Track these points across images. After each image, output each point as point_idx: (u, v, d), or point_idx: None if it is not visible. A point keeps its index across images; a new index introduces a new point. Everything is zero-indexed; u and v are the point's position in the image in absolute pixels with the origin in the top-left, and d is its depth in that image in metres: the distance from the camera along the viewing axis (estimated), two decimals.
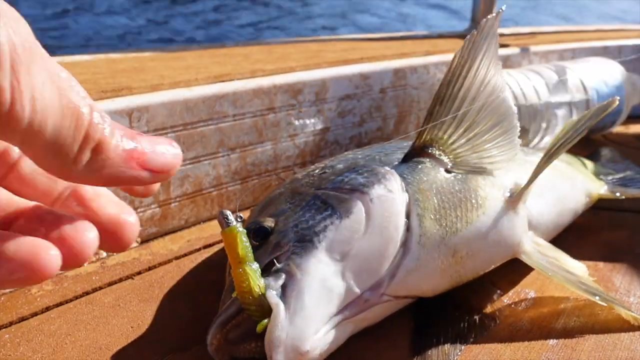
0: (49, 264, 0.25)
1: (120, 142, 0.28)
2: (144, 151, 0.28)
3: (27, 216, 0.29)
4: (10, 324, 0.50)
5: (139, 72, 0.74)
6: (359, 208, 0.45)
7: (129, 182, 0.28)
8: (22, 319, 0.51)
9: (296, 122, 0.77)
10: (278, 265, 0.42)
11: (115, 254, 0.62)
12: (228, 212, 0.41)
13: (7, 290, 0.55)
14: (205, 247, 0.64)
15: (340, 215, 0.44)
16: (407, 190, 0.47)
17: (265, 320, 0.39)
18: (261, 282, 0.40)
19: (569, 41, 1.16)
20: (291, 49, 0.96)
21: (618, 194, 0.66)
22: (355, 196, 0.46)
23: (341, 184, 0.48)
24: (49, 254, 0.25)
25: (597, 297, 0.49)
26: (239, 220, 0.41)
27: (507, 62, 1.02)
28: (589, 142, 1.00)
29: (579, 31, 1.37)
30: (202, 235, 0.67)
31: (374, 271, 0.43)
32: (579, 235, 0.65)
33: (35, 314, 0.51)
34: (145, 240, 0.65)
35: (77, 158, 0.26)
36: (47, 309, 0.52)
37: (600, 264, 0.60)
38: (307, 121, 0.79)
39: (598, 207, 0.69)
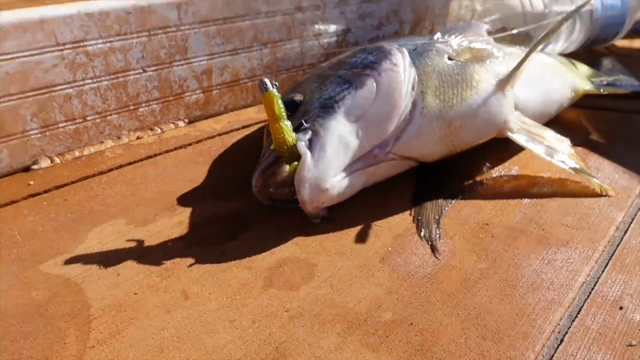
0: None
1: None
2: None
3: None
4: (93, 175, 0.63)
5: None
6: (370, 80, 0.55)
7: None
8: (102, 173, 0.63)
9: (321, 22, 0.86)
10: (306, 125, 0.53)
11: (168, 131, 0.74)
12: (267, 80, 0.51)
13: (86, 153, 0.67)
14: (243, 127, 0.76)
15: (356, 87, 0.55)
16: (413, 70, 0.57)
17: (296, 163, 0.50)
18: (293, 135, 0.51)
19: None
20: None
21: (602, 90, 0.75)
22: (367, 72, 0.56)
23: (356, 64, 0.58)
24: None
25: (568, 167, 0.59)
26: (275, 85, 0.52)
27: None
28: (592, 54, 1.08)
29: None
30: (240, 119, 0.79)
31: (382, 131, 0.54)
32: (563, 127, 0.75)
33: (111, 169, 0.64)
34: (192, 121, 0.77)
35: None
36: (121, 166, 0.65)
37: (579, 149, 0.70)
38: (331, 22, 0.87)
39: (586, 107, 0.79)
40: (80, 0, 0.65)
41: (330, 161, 0.51)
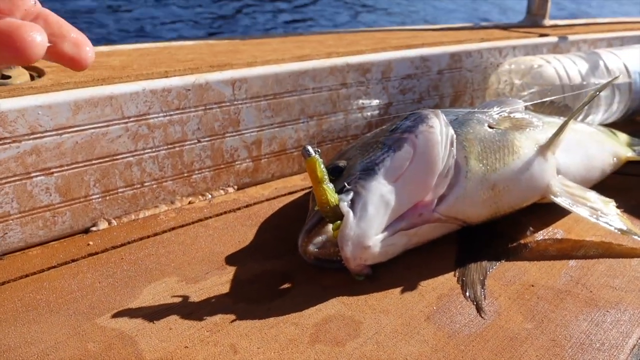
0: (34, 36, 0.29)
1: None
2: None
3: None
4: (149, 236, 0.66)
5: (235, 53, 0.89)
6: (407, 142, 0.58)
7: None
8: (156, 234, 0.67)
9: (364, 97, 0.91)
10: (348, 187, 0.55)
11: (218, 197, 0.78)
12: (309, 147, 0.54)
13: (141, 216, 0.71)
14: (290, 193, 0.79)
15: (394, 149, 0.58)
16: (457, 138, 0.59)
17: (339, 222, 0.52)
18: (336, 195, 0.54)
19: (619, 30, 1.23)
20: (360, 37, 1.10)
21: None
22: (405, 135, 0.59)
23: (395, 130, 0.61)
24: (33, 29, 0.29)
25: (615, 228, 0.59)
26: (317, 152, 0.55)
27: (556, 49, 1.12)
28: (634, 123, 1.08)
29: (632, 22, 1.43)
30: (286, 185, 0.82)
31: (422, 189, 0.56)
32: (608, 193, 0.75)
33: (165, 231, 0.67)
34: (241, 187, 0.81)
35: None
36: (173, 228, 0.68)
37: (624, 215, 0.69)
38: (374, 97, 0.92)
39: (628, 173, 0.79)
40: (146, 79, 0.71)
41: (371, 219, 0.53)
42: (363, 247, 0.52)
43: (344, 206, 0.53)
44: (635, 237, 0.59)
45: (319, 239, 0.56)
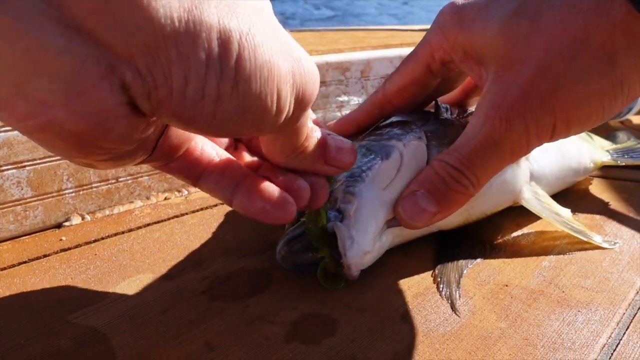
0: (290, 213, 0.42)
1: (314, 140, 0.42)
2: (332, 153, 0.44)
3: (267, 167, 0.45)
4: (123, 232, 0.65)
5: None
6: (395, 151, 0.58)
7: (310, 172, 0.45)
8: (131, 230, 0.66)
9: (343, 95, 0.91)
10: (335, 195, 0.55)
11: (194, 193, 0.77)
12: None
13: (115, 211, 0.70)
14: None
15: (381, 157, 0.57)
16: (432, 144, 0.60)
17: (325, 221, 0.52)
18: (323, 213, 0.53)
19: None
20: (340, 35, 1.10)
21: (619, 162, 0.77)
22: (392, 142, 0.59)
23: (381, 135, 0.61)
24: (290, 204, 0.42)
25: (577, 233, 0.61)
26: None
27: None
28: (607, 128, 1.11)
29: None
30: None
31: None
32: (581, 195, 0.77)
33: (140, 227, 0.66)
34: None
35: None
36: (148, 224, 0.67)
37: (597, 217, 0.71)
38: (352, 95, 0.92)
39: (601, 177, 0.81)
40: None
41: (367, 225, 0.52)
42: (364, 252, 0.51)
43: (330, 225, 0.52)
44: (591, 240, 0.61)
45: (299, 244, 0.55)
